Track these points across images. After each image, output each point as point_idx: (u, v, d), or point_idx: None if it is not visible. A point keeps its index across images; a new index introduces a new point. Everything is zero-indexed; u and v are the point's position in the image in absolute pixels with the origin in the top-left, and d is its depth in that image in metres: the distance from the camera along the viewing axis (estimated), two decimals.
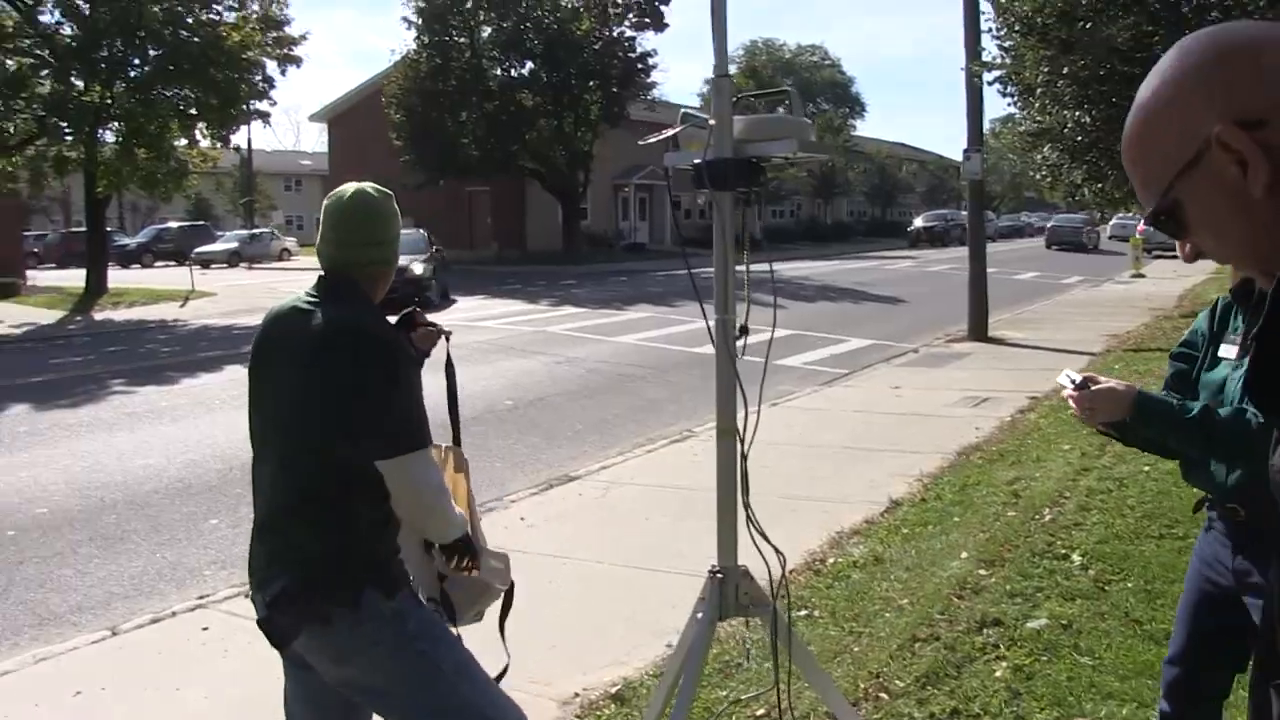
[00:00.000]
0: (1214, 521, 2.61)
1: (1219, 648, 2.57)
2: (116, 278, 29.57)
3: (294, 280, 33.31)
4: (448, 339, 2.92)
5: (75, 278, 28.64)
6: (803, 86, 55.21)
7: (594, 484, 7.82)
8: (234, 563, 6.31)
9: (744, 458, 2.72)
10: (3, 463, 8.73)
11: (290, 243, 50.20)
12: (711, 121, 2.60)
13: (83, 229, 33.18)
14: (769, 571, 2.77)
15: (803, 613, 4.73)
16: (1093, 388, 2.42)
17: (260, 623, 2.57)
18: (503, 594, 2.88)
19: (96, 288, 25.79)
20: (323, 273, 2.62)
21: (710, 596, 2.75)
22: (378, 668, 2.51)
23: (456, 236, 42.25)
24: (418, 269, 22.03)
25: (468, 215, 45.11)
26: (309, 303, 2.56)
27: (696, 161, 2.60)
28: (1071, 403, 2.46)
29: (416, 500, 2.46)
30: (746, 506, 2.73)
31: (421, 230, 25.85)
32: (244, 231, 50.49)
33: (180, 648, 4.96)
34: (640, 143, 3.01)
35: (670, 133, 2.79)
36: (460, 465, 2.89)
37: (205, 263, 39.84)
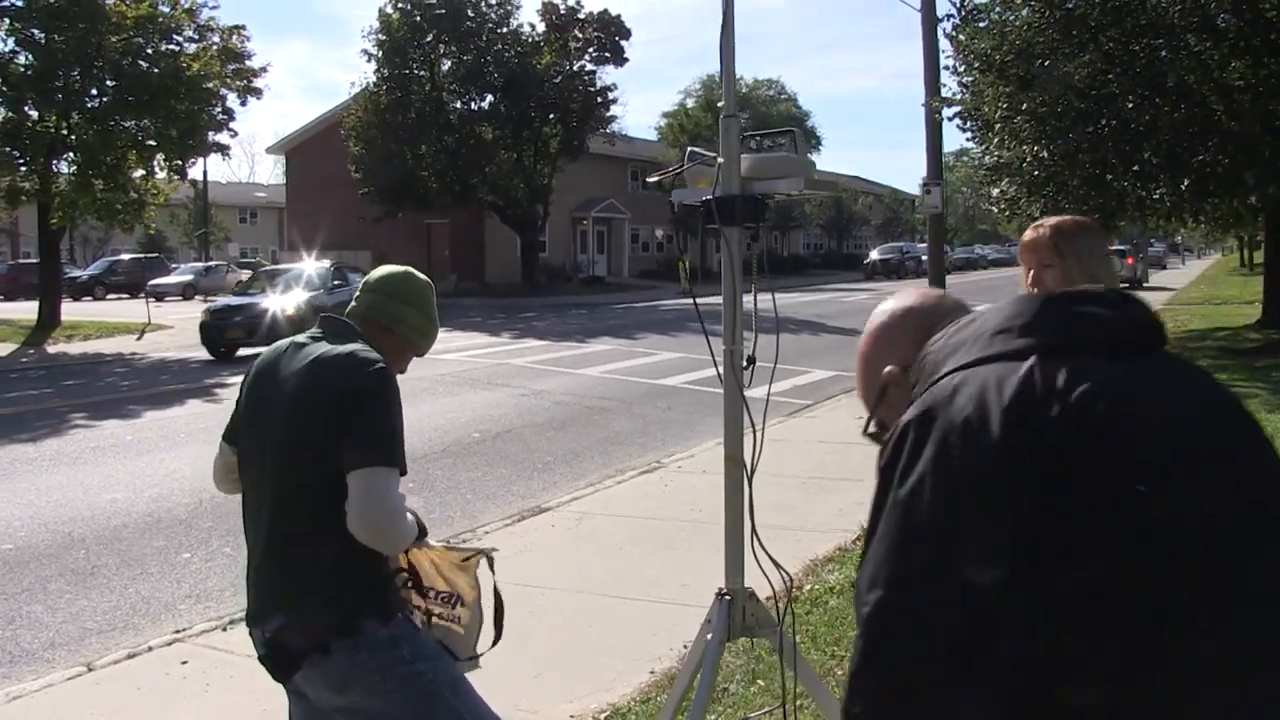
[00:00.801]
0: None
1: None
2: (69, 310, 29.22)
3: None
4: None
5: (26, 310, 28.28)
6: (759, 120, 55.81)
7: (566, 515, 7.85)
8: (208, 596, 6.29)
9: (750, 483, 2.79)
10: None
11: (246, 275, 49.87)
12: (720, 159, 2.69)
13: (32, 260, 32.76)
14: (774, 593, 2.85)
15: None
16: None
17: (262, 658, 2.60)
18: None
19: (49, 320, 25.45)
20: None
21: (718, 618, 2.81)
22: (376, 693, 2.55)
23: (414, 268, 42.15)
24: (289, 307, 19.44)
25: (426, 247, 45.08)
26: (311, 338, 2.65)
27: (706, 198, 2.68)
28: None
29: (370, 514, 2.41)
30: (754, 531, 2.80)
31: (328, 262, 24.47)
32: (199, 264, 50.09)
33: (160, 683, 4.93)
34: (649, 179, 3.10)
35: (678, 169, 2.87)
36: None
37: (159, 295, 39.49)
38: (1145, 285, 42.37)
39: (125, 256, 50.49)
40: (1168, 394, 1.35)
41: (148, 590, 6.43)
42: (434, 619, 2.77)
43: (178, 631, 5.62)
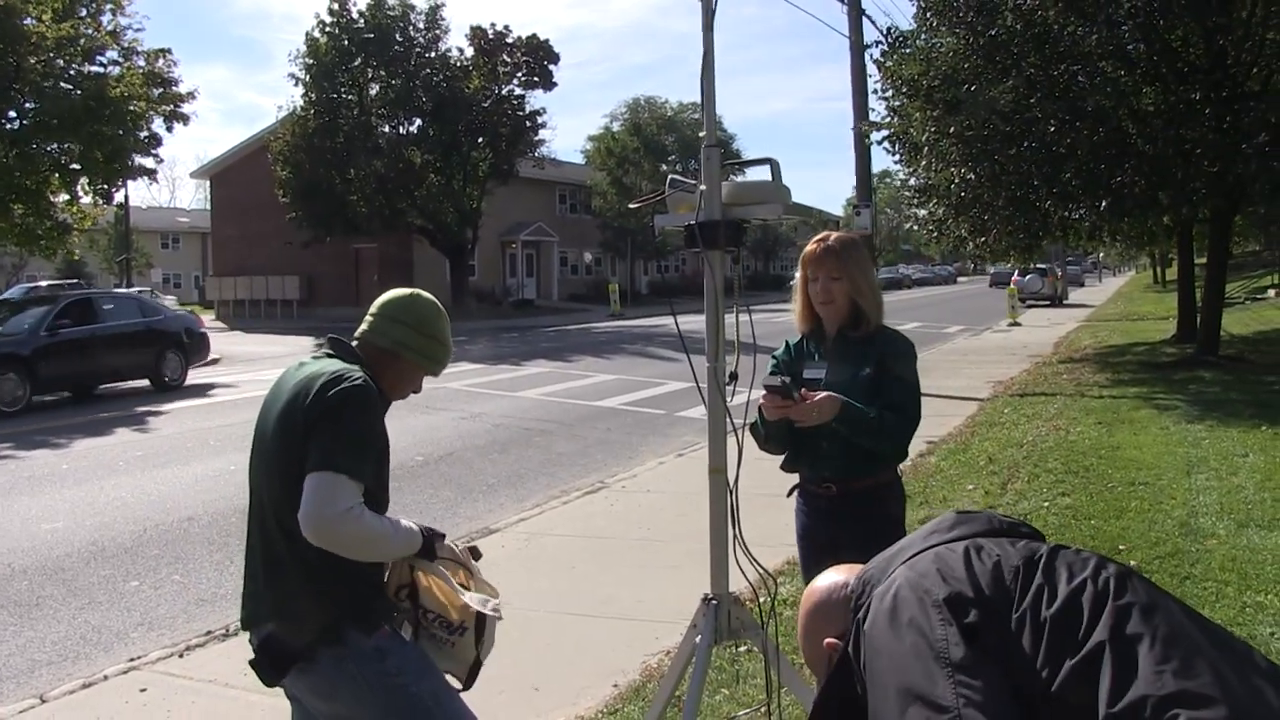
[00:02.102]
0: (808, 500, 3.49)
1: None
2: None
3: None
4: None
5: None
6: (684, 143, 56.36)
7: (515, 536, 7.90)
8: (161, 624, 6.25)
9: (734, 494, 2.92)
10: None
11: (170, 301, 49.03)
12: (702, 187, 2.83)
13: None
14: (756, 595, 2.98)
15: (744, 649, 4.91)
16: (820, 396, 3.12)
17: (251, 663, 2.68)
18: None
19: None
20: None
21: (706, 621, 2.93)
22: (362, 702, 2.64)
23: (343, 293, 41.95)
24: None
25: (354, 272, 44.74)
26: (313, 357, 2.78)
27: (690, 223, 2.82)
28: (783, 406, 3.11)
29: (313, 517, 2.47)
30: (739, 538, 2.92)
31: (46, 288, 20.93)
32: (121, 290, 49.06)
33: (120, 711, 4.90)
34: (631, 205, 3.24)
35: (659, 196, 3.01)
36: None
37: None
38: (1065, 302, 43.56)
39: (44, 283, 49.26)
40: None
41: (97, 620, 6.36)
42: (429, 634, 2.83)
43: (133, 659, 5.58)
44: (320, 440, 2.53)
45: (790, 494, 3.57)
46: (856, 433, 3.19)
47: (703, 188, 2.83)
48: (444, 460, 11.07)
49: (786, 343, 3.61)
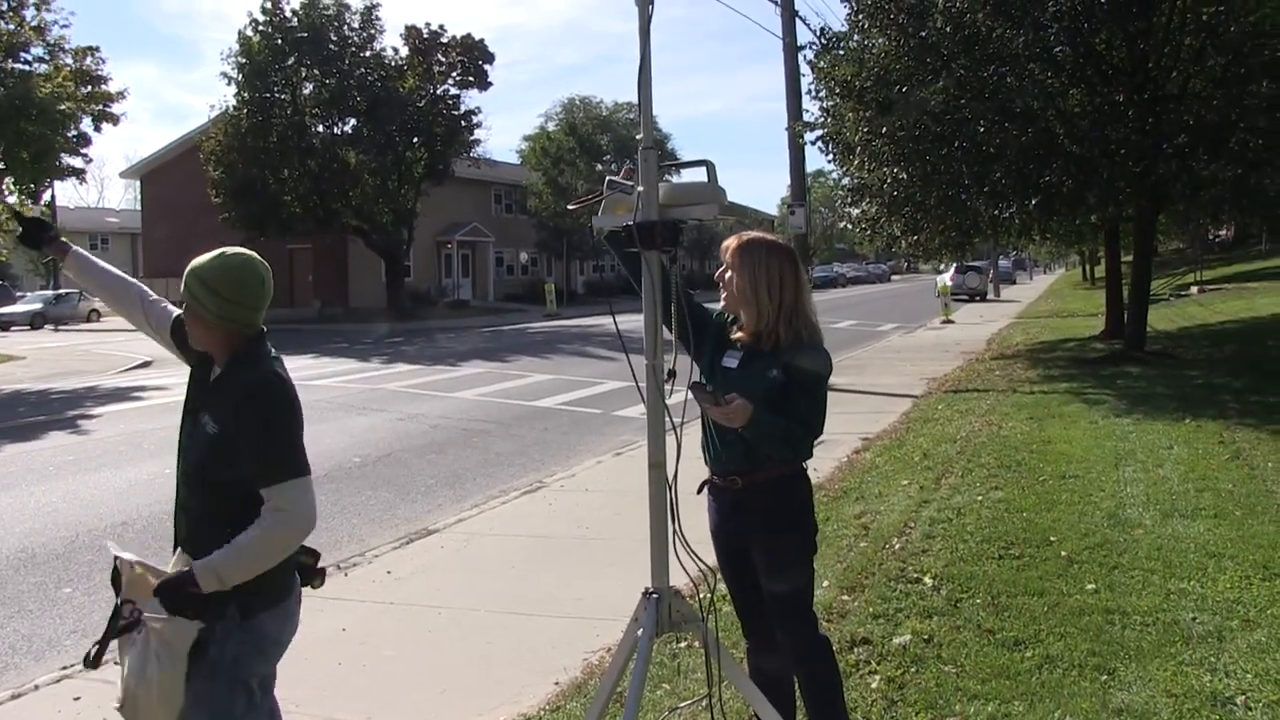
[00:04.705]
0: (717, 496, 3.59)
1: (748, 576, 3.56)
2: None
3: (108, 344, 31.85)
4: None
5: None
6: (619, 143, 56.45)
7: (454, 536, 7.89)
8: (95, 631, 6.09)
9: (672, 488, 2.97)
10: None
11: (99, 303, 48.08)
12: (639, 188, 2.87)
13: None
14: (697, 591, 3.03)
15: (683, 644, 4.97)
16: (735, 402, 3.16)
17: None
18: None
19: None
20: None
21: (647, 614, 2.97)
22: None
23: (277, 294, 41.09)
24: None
25: (289, 273, 44.21)
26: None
27: (628, 224, 2.87)
28: (712, 408, 3.21)
29: (304, 520, 2.71)
30: (679, 534, 2.97)
31: None
32: (48, 292, 48.09)
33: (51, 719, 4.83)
34: (570, 206, 3.27)
35: (596, 197, 3.05)
36: None
37: (4, 325, 37.85)
38: (992, 298, 44.98)
39: None
40: None
41: (27, 628, 6.24)
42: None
43: (65, 668, 5.47)
44: (281, 449, 2.78)
45: (700, 490, 3.62)
46: (760, 440, 3.28)
47: (640, 189, 2.88)
48: (381, 461, 11.01)
49: (721, 314, 3.63)
